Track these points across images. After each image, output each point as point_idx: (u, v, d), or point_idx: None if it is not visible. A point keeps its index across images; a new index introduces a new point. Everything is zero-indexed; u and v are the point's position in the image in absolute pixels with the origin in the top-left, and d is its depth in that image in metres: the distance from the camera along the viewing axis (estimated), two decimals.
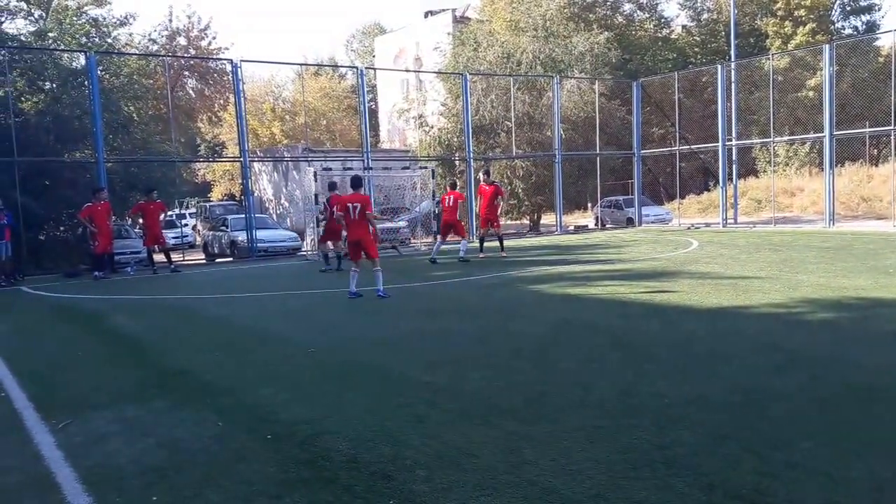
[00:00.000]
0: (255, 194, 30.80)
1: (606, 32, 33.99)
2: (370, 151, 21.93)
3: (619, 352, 6.46)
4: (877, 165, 31.23)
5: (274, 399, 5.29)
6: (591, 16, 40.05)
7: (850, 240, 16.86)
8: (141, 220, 16.63)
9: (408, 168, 22.87)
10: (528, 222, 31.52)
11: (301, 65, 39.25)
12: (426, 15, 49.84)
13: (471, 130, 24.11)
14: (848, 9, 45.32)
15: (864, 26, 44.95)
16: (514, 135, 26.38)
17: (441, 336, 7.53)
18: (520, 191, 28.12)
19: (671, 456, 3.82)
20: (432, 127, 29.98)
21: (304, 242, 21.05)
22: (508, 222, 32.90)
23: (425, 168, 21.99)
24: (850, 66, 34.27)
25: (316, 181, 18.24)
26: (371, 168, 20.63)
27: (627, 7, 44.91)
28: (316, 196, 17.92)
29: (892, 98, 21.84)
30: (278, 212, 33.15)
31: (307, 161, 24.23)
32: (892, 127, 21.41)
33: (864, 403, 4.68)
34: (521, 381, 5.51)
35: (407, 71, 40.12)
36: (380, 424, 4.56)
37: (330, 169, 20.78)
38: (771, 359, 5.93)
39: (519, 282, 11.95)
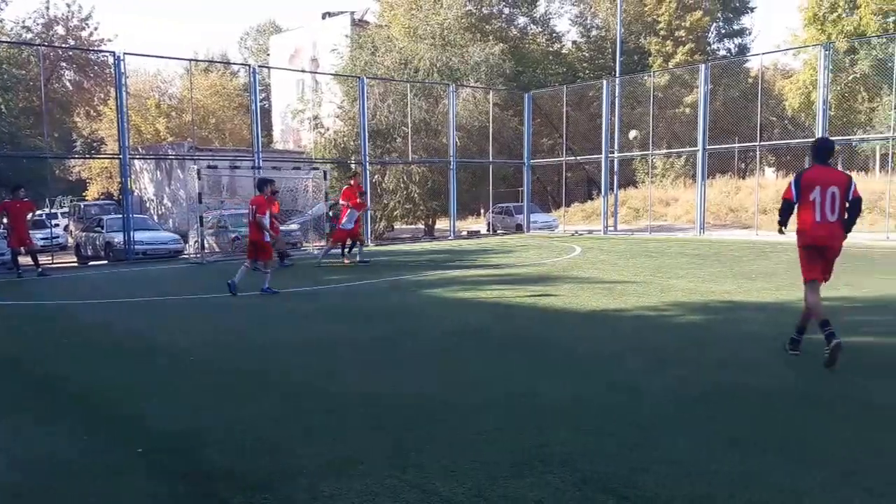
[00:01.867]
0: (136, 193, 29.33)
1: (501, 44, 34.75)
2: (261, 152, 21.35)
3: (505, 354, 6.61)
4: (744, 178, 33.62)
5: (150, 410, 5.06)
6: (487, 27, 40.85)
7: (718, 247, 18.02)
8: (5, 220, 15.43)
9: (298, 168, 22.47)
10: (423, 227, 31.70)
11: (190, 60, 37.63)
12: (324, 16, 49.27)
13: (367, 134, 24.00)
14: (722, 32, 48.66)
15: (736, 49, 48.40)
16: (410, 140, 26.48)
17: (334, 342, 7.43)
18: (416, 196, 28.25)
19: (549, 454, 3.97)
20: (328, 129, 29.62)
21: (188, 245, 20.23)
22: (404, 226, 33.05)
23: (317, 170, 21.70)
24: (722, 86, 36.67)
25: (199, 179, 17.57)
26: (259, 167, 20.09)
27: (522, 20, 46.17)
28: (199, 195, 17.33)
29: (759, 116, 23.65)
30: (160, 212, 31.70)
31: (193, 160, 23.29)
32: (757, 143, 23.15)
33: (728, 401, 5.01)
34: (413, 386, 5.54)
35: (303, 71, 39.38)
36: (263, 434, 4.45)
37: (215, 167, 20.11)
38: (645, 359, 6.25)
39: (414, 286, 12.00)
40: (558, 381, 5.61)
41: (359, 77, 25.20)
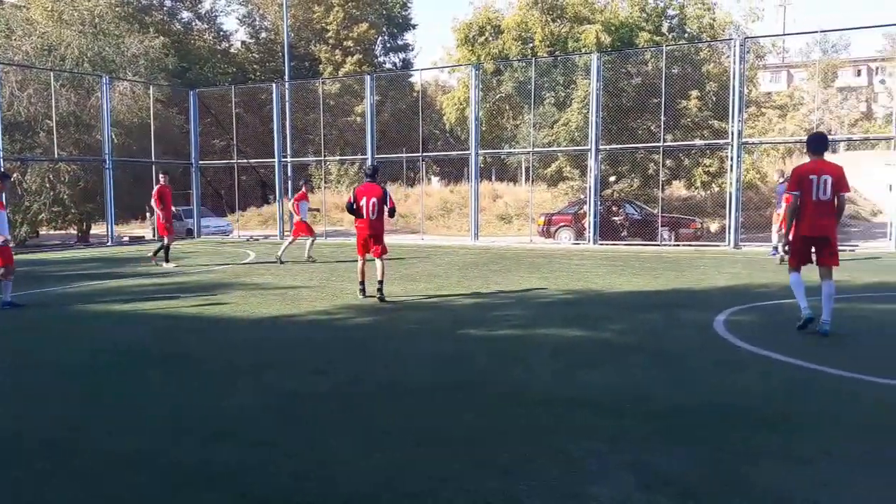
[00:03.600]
0: None
1: (163, 38, 32.63)
2: None
3: (167, 370, 6.22)
4: (412, 186, 36.23)
5: None
6: (147, 18, 38.10)
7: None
8: None
9: None
10: (75, 232, 28.39)
11: None
12: None
13: (2, 127, 20.70)
14: (388, 45, 51.83)
15: (401, 63, 51.93)
16: (56, 135, 23.38)
17: None
18: (65, 197, 25.10)
19: (212, 471, 3.83)
20: None
21: None
22: (52, 232, 29.14)
23: None
24: (390, 98, 38.94)
25: None
26: None
27: (186, 15, 43.82)
28: None
29: (421, 129, 25.67)
30: None
31: None
32: (420, 154, 25.11)
33: (385, 398, 5.26)
34: (46, 416, 4.90)
35: None
36: None
37: None
38: (312, 363, 6.35)
39: (62, 300, 10.60)
40: (225, 392, 5.45)
41: None
